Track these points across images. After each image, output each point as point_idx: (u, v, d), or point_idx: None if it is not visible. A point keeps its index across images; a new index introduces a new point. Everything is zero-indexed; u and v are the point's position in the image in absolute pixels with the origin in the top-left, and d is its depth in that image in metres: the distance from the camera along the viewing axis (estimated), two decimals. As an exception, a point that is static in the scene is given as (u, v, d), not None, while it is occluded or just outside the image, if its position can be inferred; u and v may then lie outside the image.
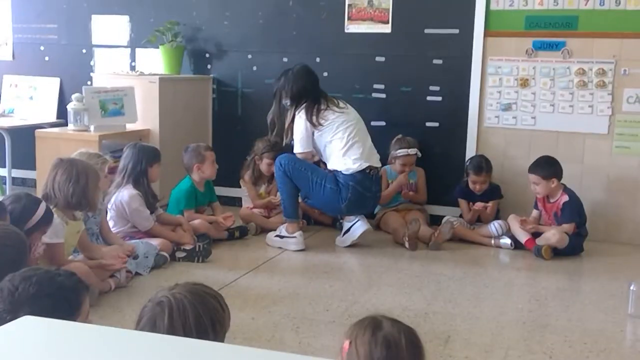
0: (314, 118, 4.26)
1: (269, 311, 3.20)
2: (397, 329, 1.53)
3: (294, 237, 4.25)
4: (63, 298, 1.84)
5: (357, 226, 4.31)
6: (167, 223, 4.14)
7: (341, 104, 4.34)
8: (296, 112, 4.31)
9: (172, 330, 1.62)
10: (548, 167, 4.30)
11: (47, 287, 1.84)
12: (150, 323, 1.65)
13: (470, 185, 4.62)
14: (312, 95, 4.31)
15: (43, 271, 1.92)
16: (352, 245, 4.32)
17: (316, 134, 4.28)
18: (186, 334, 1.61)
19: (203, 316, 1.66)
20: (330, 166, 4.29)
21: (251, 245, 4.33)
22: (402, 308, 3.28)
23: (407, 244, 4.30)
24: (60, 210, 3.14)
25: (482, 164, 4.59)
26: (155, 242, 3.85)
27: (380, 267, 3.99)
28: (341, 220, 4.49)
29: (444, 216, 4.72)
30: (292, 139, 4.36)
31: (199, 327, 1.65)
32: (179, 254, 3.91)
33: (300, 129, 4.28)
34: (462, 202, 4.66)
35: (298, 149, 4.32)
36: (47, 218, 2.93)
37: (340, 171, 4.20)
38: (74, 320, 1.77)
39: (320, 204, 4.40)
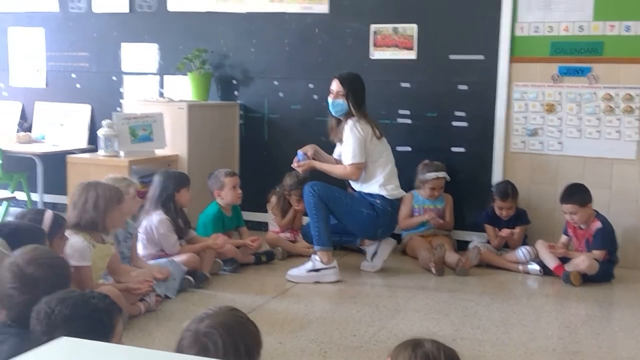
0: (376, 130, 4.18)
1: (296, 336, 3.20)
2: (437, 347, 1.54)
3: (333, 267, 4.08)
4: (97, 320, 1.88)
5: (384, 245, 4.31)
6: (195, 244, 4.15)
7: None
8: (352, 120, 4.15)
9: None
10: (581, 194, 4.26)
11: (82, 309, 1.88)
12: (202, 354, 1.61)
13: (497, 211, 4.60)
14: (365, 107, 4.26)
15: (78, 294, 1.96)
16: (379, 270, 4.32)
17: (368, 146, 4.14)
18: None
19: (250, 345, 1.68)
20: (366, 189, 4.20)
21: (278, 270, 4.34)
22: (429, 334, 3.25)
23: (433, 270, 4.28)
24: (87, 233, 3.18)
25: (508, 190, 4.57)
26: (182, 257, 3.89)
27: (407, 292, 3.98)
28: (362, 247, 4.46)
29: (470, 241, 4.71)
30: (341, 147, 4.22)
31: (249, 356, 1.66)
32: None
33: (357, 137, 4.11)
34: (489, 228, 4.64)
35: (350, 159, 4.12)
36: (58, 222, 2.93)
37: (382, 196, 4.16)
38: (108, 341, 1.80)
39: (356, 228, 4.26)
